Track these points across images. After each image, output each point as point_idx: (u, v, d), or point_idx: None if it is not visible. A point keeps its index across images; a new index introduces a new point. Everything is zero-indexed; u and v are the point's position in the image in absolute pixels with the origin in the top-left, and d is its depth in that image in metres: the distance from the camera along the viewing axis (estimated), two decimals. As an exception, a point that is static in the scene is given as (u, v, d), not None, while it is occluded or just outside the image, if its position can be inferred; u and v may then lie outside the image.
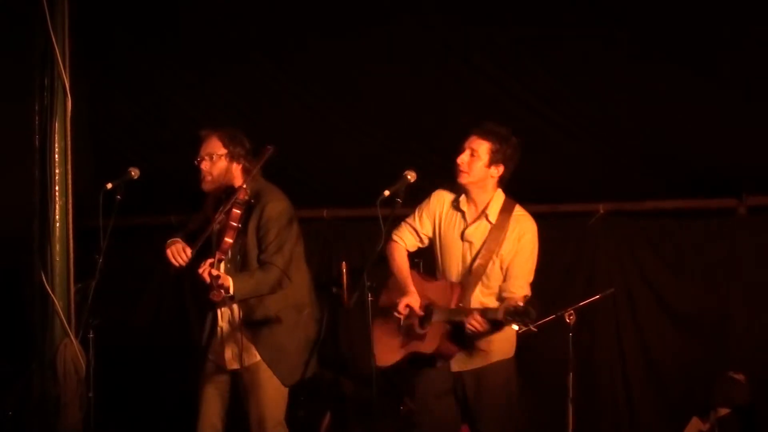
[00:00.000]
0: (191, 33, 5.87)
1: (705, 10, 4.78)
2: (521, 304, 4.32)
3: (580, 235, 6.50)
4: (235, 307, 4.90)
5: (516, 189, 5.03)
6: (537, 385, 6.38)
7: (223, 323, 4.96)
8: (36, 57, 4.87)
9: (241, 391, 4.94)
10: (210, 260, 4.72)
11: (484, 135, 4.61)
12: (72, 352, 4.80)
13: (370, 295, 4.27)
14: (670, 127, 5.64)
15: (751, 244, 6.10)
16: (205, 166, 4.94)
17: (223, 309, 4.94)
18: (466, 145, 4.63)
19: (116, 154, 6.29)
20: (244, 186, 4.85)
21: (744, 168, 5.82)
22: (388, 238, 4.87)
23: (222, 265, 4.86)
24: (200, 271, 4.67)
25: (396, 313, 4.64)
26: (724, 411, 5.76)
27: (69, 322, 4.82)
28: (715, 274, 6.16)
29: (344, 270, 5.08)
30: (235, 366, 4.89)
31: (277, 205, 4.87)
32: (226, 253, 4.83)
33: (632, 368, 6.34)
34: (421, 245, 4.87)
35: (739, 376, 5.81)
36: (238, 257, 4.89)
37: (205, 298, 4.72)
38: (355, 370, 5.70)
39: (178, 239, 4.88)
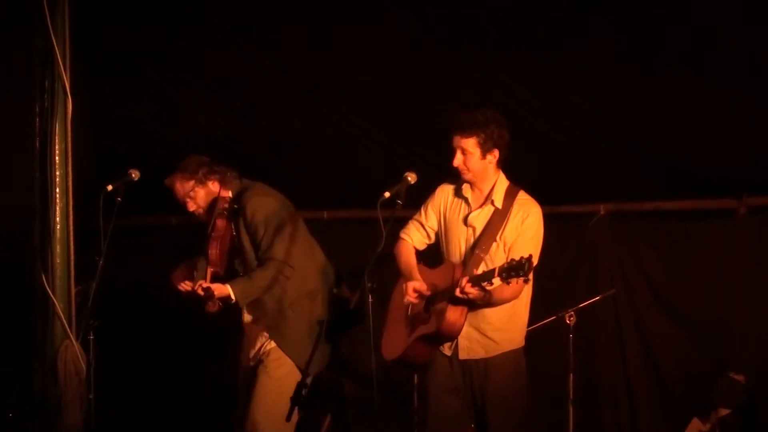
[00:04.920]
0: (192, 33, 5.87)
1: (705, 10, 4.78)
2: (515, 259, 4.24)
3: (580, 236, 6.50)
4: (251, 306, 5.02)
5: (517, 190, 5.03)
6: (537, 386, 6.38)
7: (246, 321, 5.10)
8: (36, 58, 4.87)
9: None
10: (201, 282, 4.90)
11: (467, 131, 4.58)
12: (72, 353, 4.80)
13: (370, 296, 4.27)
14: (671, 127, 5.64)
15: (751, 244, 6.09)
16: (191, 206, 5.15)
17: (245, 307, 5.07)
18: (455, 145, 4.61)
19: (117, 156, 6.29)
20: (223, 195, 5.06)
21: (744, 169, 5.81)
22: (397, 238, 4.88)
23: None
24: (194, 289, 4.83)
25: (406, 298, 4.62)
26: (724, 412, 5.76)
27: (69, 324, 4.82)
28: (716, 275, 6.15)
29: (345, 272, 5.10)
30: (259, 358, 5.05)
31: (256, 202, 5.00)
32: (217, 265, 4.94)
33: (633, 369, 6.33)
34: (428, 241, 4.85)
35: (740, 377, 5.81)
36: (240, 261, 4.98)
37: (203, 311, 4.88)
38: (357, 371, 5.70)
39: (180, 269, 5.15)
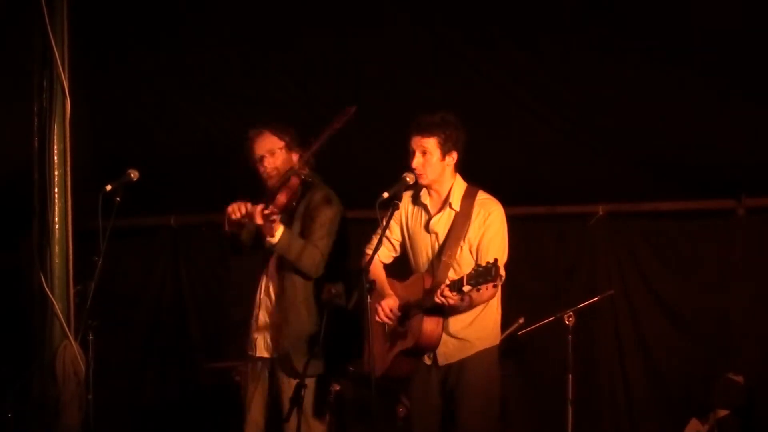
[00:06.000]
0: (191, 33, 5.88)
1: (704, 10, 4.78)
2: (482, 265, 4.22)
3: (579, 236, 6.50)
4: (271, 295, 4.92)
5: (515, 190, 5.05)
6: (537, 386, 6.40)
7: (260, 312, 4.96)
8: (35, 58, 4.87)
9: (277, 379, 4.91)
10: (261, 205, 4.69)
11: (427, 131, 4.55)
12: (71, 354, 4.80)
13: (369, 296, 4.26)
14: (669, 128, 5.65)
15: (750, 245, 6.10)
16: (268, 163, 4.87)
17: (261, 298, 4.95)
18: (414, 147, 4.57)
19: (116, 156, 6.29)
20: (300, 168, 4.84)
21: (743, 169, 5.82)
22: (361, 254, 4.86)
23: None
24: (255, 207, 4.67)
25: (377, 318, 4.60)
26: (723, 412, 5.76)
27: (68, 324, 4.82)
28: (714, 276, 6.16)
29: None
30: (266, 354, 4.90)
31: (329, 209, 4.86)
32: (280, 209, 4.72)
33: (631, 369, 6.33)
34: (394, 254, 4.84)
35: (739, 378, 5.82)
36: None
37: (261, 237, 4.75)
38: (355, 371, 5.70)
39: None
